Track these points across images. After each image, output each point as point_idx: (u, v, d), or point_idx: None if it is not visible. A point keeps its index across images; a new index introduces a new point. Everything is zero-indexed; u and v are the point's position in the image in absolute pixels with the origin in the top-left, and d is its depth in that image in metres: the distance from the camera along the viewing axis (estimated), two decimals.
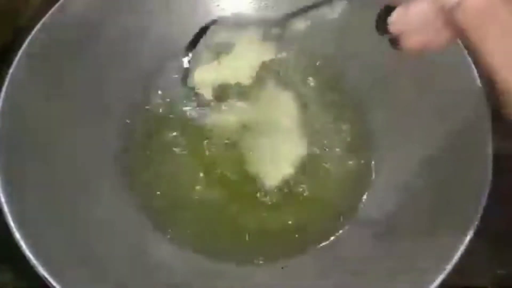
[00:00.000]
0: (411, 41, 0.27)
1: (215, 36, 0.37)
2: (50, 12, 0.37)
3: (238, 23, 0.37)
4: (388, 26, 0.27)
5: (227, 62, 0.37)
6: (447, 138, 0.37)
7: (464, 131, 0.36)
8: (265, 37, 0.37)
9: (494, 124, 0.35)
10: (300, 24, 0.36)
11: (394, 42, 0.27)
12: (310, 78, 0.44)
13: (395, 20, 0.27)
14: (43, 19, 0.37)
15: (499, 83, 0.24)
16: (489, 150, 0.34)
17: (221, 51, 0.38)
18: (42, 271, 0.30)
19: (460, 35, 0.24)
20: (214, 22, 0.37)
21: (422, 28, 0.26)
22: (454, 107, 0.37)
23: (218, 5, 0.45)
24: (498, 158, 0.34)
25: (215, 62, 0.37)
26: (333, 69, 0.44)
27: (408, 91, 0.40)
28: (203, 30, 0.37)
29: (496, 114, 0.33)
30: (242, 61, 0.37)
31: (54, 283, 0.29)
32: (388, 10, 0.27)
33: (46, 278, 0.30)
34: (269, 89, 0.43)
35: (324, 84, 0.44)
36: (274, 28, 0.37)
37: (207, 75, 0.37)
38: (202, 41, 0.38)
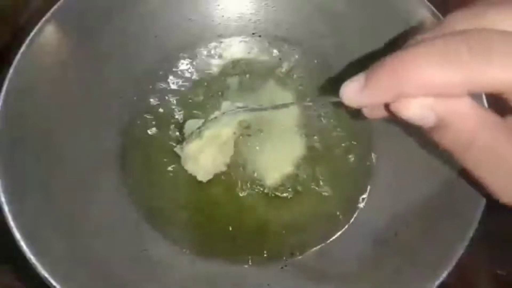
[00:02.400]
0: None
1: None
2: (50, 12, 0.37)
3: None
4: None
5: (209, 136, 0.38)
6: None
7: None
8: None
9: None
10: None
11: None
12: (311, 78, 0.44)
13: (367, 112, 0.27)
14: (43, 19, 0.37)
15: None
16: None
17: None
18: (42, 271, 0.30)
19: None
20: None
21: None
22: None
23: (218, 5, 0.45)
24: None
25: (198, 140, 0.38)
26: (334, 69, 0.44)
27: None
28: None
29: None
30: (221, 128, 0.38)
31: (54, 283, 0.30)
32: None
33: (46, 278, 0.30)
34: (269, 89, 0.43)
35: (325, 84, 0.44)
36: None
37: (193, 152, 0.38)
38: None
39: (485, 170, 0.22)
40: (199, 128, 0.38)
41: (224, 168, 0.39)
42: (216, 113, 0.38)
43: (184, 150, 0.38)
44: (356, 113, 0.36)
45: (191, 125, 0.39)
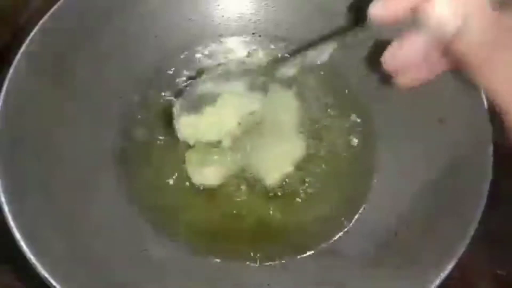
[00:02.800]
0: (405, 78, 0.26)
1: (200, 87, 0.38)
2: (50, 12, 0.37)
3: (225, 74, 0.38)
4: (382, 64, 0.26)
5: (210, 116, 0.38)
6: (448, 138, 0.37)
7: (465, 131, 0.36)
8: (251, 88, 0.38)
9: (494, 125, 0.35)
10: (288, 70, 0.36)
11: (388, 78, 0.26)
12: (311, 78, 0.44)
13: (389, 58, 0.25)
14: (43, 19, 0.37)
15: (506, 117, 0.23)
16: (490, 151, 0.34)
17: (206, 102, 0.38)
18: (42, 271, 0.30)
19: (459, 67, 0.24)
20: (202, 73, 0.38)
21: (417, 65, 0.25)
22: (455, 108, 0.37)
23: (218, 5, 0.45)
24: (498, 158, 0.34)
25: (199, 114, 0.38)
26: (335, 69, 0.44)
27: (410, 93, 0.40)
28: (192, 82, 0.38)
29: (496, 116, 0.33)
30: (225, 116, 0.38)
31: (54, 283, 0.30)
32: (381, 45, 0.26)
33: (46, 278, 0.30)
34: (270, 88, 0.43)
35: (326, 83, 0.44)
36: (261, 77, 0.38)
37: (190, 128, 0.38)
38: (188, 90, 0.38)
39: (501, 83, 0.22)
40: (205, 78, 0.37)
41: (223, 180, 0.39)
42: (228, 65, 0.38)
43: (180, 119, 0.37)
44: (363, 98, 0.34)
45: (196, 84, 0.39)
